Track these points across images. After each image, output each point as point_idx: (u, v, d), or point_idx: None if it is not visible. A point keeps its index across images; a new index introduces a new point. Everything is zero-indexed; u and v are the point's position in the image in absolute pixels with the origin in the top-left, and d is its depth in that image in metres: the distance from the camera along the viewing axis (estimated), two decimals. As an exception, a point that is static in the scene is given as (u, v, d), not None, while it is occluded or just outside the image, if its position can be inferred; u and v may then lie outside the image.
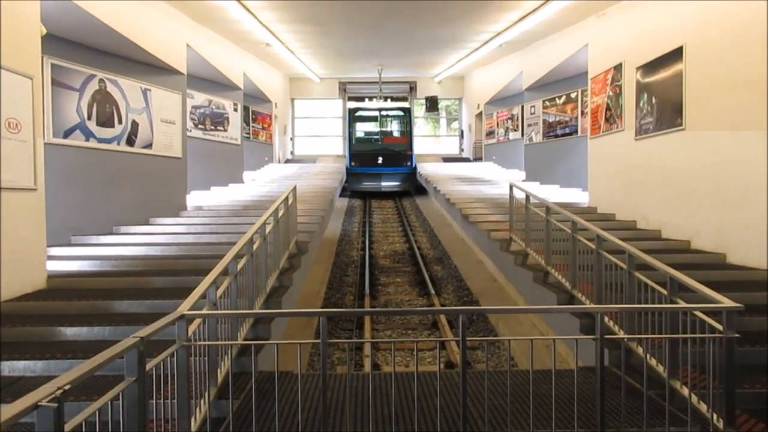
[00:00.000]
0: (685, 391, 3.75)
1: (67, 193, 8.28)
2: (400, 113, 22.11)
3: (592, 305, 5.27)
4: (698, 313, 3.69)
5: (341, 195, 18.59)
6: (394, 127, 22.28)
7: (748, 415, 3.91)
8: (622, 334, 4.71)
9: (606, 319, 4.85)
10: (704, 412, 3.63)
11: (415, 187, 20.03)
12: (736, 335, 3.48)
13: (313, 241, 9.36)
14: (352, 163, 20.30)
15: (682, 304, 3.95)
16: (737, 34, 6.92)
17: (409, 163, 20.26)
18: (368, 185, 20.50)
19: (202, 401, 3.69)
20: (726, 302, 3.56)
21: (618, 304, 4.95)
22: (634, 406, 3.76)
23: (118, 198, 9.35)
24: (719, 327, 3.52)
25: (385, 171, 20.43)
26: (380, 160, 20.27)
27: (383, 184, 20.57)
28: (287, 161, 22.55)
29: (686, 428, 3.55)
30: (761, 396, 4.11)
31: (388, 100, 23.59)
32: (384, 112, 22.27)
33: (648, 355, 3.93)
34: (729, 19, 7.09)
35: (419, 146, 22.49)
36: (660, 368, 4.09)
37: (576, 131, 14.25)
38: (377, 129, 21.78)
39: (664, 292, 4.20)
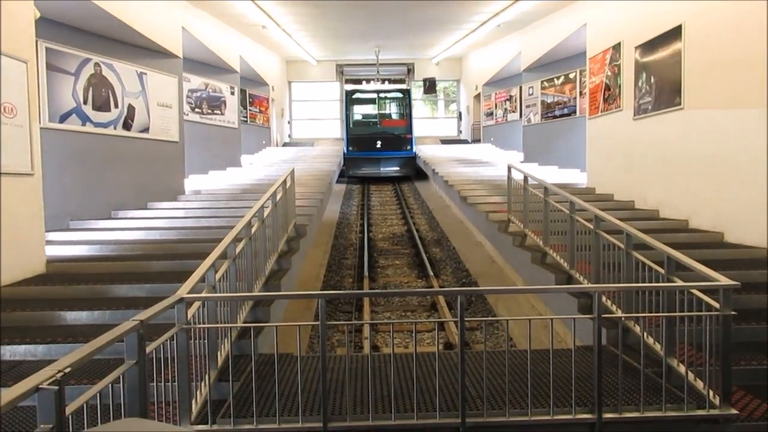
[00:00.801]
0: (682, 368, 3.77)
1: (64, 178, 8.25)
2: (399, 95, 21.40)
3: (590, 285, 5.29)
4: (695, 291, 3.71)
5: (338, 181, 18.18)
6: (393, 110, 21.61)
7: (745, 391, 3.94)
8: (619, 313, 4.74)
9: (603, 298, 4.88)
10: (701, 390, 3.66)
11: (414, 171, 19.48)
12: (733, 313, 3.51)
13: (312, 224, 9.37)
14: (350, 148, 19.52)
15: (679, 283, 3.96)
16: (736, 12, 6.85)
17: (408, 147, 19.50)
18: (366, 171, 19.72)
19: (202, 383, 3.71)
20: (723, 280, 3.58)
21: (616, 283, 4.97)
22: (632, 384, 3.79)
23: (116, 182, 9.33)
24: (716, 305, 3.54)
25: (383, 156, 19.61)
26: (379, 144, 19.48)
27: (382, 169, 19.78)
28: (285, 144, 22.45)
29: (683, 405, 3.58)
30: (757, 372, 4.15)
31: (386, 82, 23.29)
32: (382, 94, 21.60)
33: (645, 334, 3.97)
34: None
35: (417, 128, 22.17)
36: (657, 347, 4.12)
37: (574, 112, 14.20)
38: (375, 112, 21.13)
39: (662, 271, 4.21)
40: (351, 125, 20.32)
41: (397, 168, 19.78)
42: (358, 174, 19.74)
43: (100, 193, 9.02)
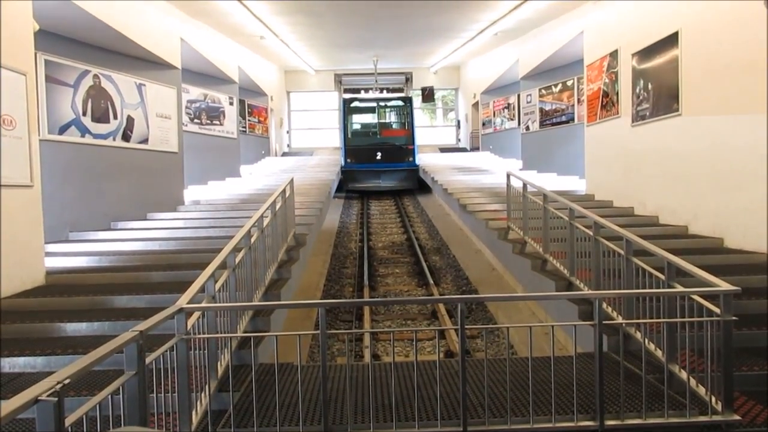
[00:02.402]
0: (684, 374, 3.76)
1: (64, 190, 8.26)
2: (400, 103, 20.58)
3: (591, 291, 5.28)
4: (696, 297, 3.70)
5: (336, 195, 17.57)
6: (394, 119, 20.72)
7: (747, 397, 3.93)
8: (620, 320, 4.73)
9: (604, 304, 4.87)
10: (703, 395, 3.65)
11: (417, 184, 18.58)
12: (734, 318, 3.50)
13: (312, 233, 9.36)
14: (348, 160, 18.47)
15: (680, 289, 3.96)
16: (733, 17, 6.89)
17: (410, 159, 18.49)
18: (366, 184, 18.77)
19: (202, 394, 3.69)
20: (723, 285, 3.57)
21: (616, 289, 4.96)
22: (634, 390, 3.78)
23: (116, 193, 9.33)
24: (716, 310, 3.54)
25: (384, 168, 18.64)
26: (379, 155, 18.58)
27: (383, 183, 18.82)
28: (284, 154, 22.44)
29: (685, 411, 3.57)
30: (759, 378, 4.13)
31: (384, 91, 23.08)
32: (382, 103, 20.75)
33: (646, 340, 3.95)
34: (724, 3, 7.06)
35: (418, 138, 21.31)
36: (658, 353, 4.11)
37: (573, 119, 14.23)
38: (375, 121, 20.27)
39: (662, 277, 4.21)
40: (349, 136, 19.47)
41: (399, 181, 18.82)
42: (356, 188, 18.91)
43: (100, 204, 9.03)
